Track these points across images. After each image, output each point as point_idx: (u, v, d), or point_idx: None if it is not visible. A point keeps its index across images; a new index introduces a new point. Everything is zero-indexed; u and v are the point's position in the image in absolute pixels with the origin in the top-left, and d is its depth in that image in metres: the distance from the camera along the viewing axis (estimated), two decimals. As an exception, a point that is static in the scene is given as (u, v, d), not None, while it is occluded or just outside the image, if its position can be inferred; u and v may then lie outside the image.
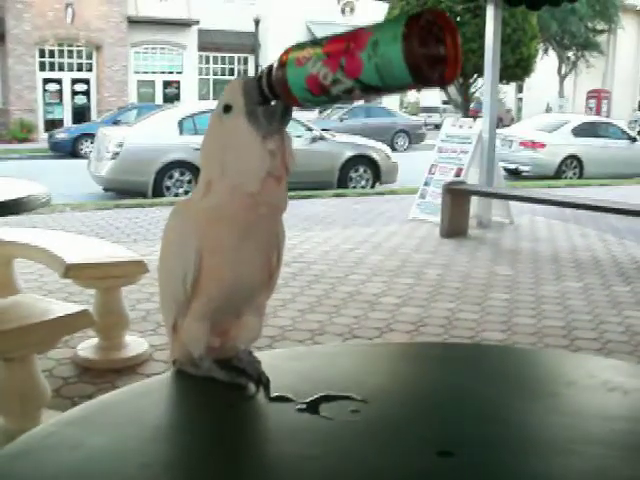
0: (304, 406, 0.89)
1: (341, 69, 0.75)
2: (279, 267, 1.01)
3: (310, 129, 10.98)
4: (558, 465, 0.81)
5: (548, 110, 32.13)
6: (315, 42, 0.79)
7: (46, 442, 0.84)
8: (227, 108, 0.89)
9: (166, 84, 26.29)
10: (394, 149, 16.53)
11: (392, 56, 0.72)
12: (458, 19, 19.17)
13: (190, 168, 9.85)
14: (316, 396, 0.93)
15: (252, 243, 0.93)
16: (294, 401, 0.91)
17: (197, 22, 25.53)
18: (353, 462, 0.80)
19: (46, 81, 23.68)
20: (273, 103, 0.85)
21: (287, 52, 0.81)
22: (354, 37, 0.75)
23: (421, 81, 0.73)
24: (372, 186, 11.13)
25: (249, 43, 26.38)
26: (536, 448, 0.84)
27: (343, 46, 0.75)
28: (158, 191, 9.80)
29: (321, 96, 0.79)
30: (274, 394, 0.93)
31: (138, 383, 1.04)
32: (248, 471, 0.77)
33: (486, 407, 0.96)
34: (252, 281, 0.96)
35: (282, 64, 0.80)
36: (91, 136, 14.47)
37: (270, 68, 0.83)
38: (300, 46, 0.80)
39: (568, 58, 33.14)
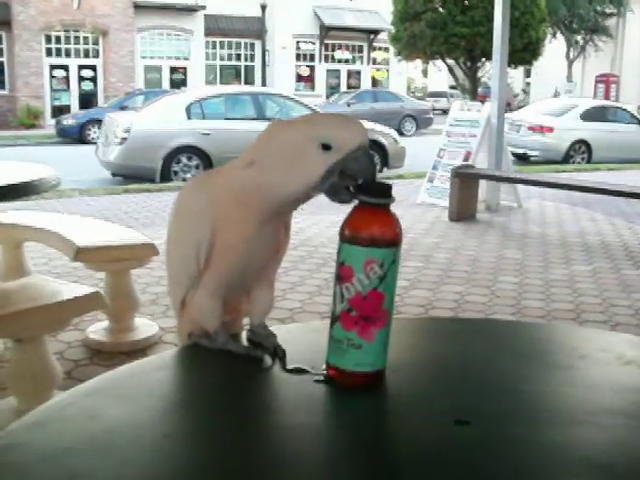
0: (321, 377, 0.89)
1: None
2: (287, 241, 1.01)
3: (317, 113, 10.94)
4: (575, 435, 0.81)
5: (556, 95, 31.93)
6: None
7: (63, 413, 0.84)
8: (326, 146, 0.85)
9: (173, 70, 26.26)
10: (401, 134, 16.48)
11: None
12: (466, 2, 19.09)
13: (198, 153, 9.85)
14: (332, 368, 0.92)
15: (266, 224, 0.93)
16: (311, 372, 0.91)
17: (203, 7, 25.45)
18: (372, 431, 0.80)
19: (53, 67, 23.67)
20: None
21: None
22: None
23: None
24: (380, 170, 11.09)
25: (256, 28, 26.30)
26: (552, 418, 0.84)
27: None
28: (166, 176, 9.81)
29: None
30: (291, 366, 0.93)
31: (154, 356, 1.04)
32: (267, 440, 0.77)
33: (501, 378, 0.96)
34: (262, 257, 0.96)
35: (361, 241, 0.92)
36: (98, 122, 14.45)
37: (376, 189, 0.89)
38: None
39: (576, 42, 32.88)
